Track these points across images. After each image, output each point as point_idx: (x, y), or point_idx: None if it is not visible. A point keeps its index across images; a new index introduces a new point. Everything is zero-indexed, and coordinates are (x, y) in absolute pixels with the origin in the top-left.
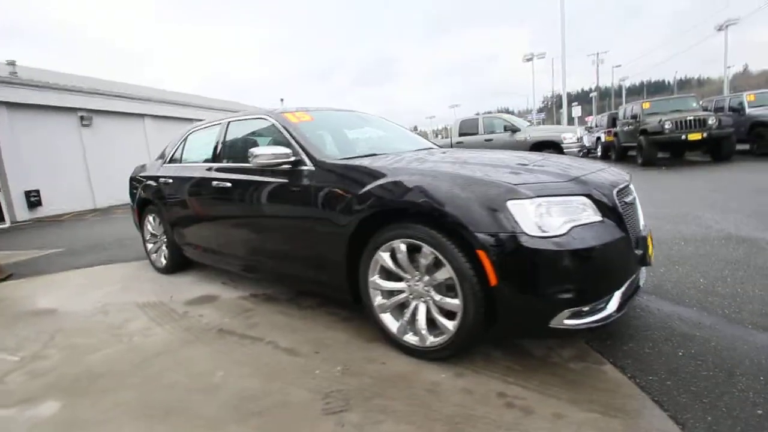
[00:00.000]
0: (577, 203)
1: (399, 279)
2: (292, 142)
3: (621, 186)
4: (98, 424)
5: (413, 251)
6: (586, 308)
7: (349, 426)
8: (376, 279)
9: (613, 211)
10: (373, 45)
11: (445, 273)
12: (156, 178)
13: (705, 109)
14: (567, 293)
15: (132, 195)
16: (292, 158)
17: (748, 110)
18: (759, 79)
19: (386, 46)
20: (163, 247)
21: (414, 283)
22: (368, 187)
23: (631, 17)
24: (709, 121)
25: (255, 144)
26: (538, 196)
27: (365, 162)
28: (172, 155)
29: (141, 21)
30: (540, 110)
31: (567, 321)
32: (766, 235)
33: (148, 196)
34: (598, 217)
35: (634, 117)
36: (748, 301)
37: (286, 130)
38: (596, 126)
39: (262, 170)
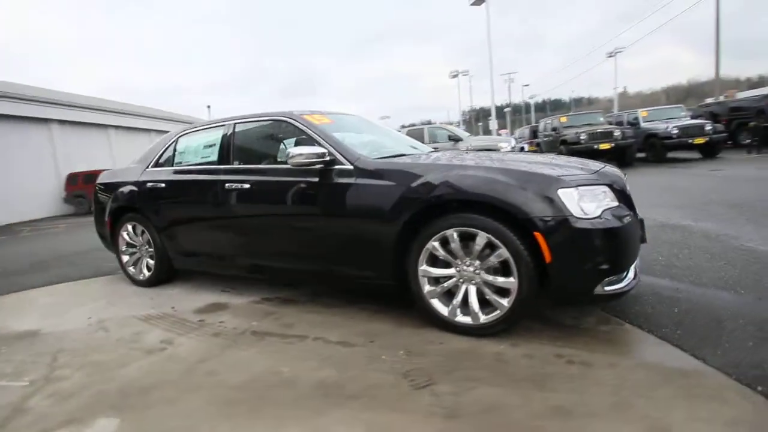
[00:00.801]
0: (602, 191)
1: (448, 265)
2: (323, 142)
3: (625, 178)
4: (187, 429)
5: (465, 239)
6: (614, 277)
7: (445, 395)
8: (425, 267)
9: (626, 197)
10: (298, 57)
11: (500, 255)
12: (139, 184)
13: (609, 123)
14: (605, 264)
15: (99, 203)
16: (327, 158)
17: (642, 124)
18: (635, 99)
19: (312, 58)
20: (146, 259)
21: (464, 267)
22: (419, 183)
23: (538, 43)
24: (615, 133)
25: (272, 146)
26: (578, 185)
27: (406, 160)
28: (158, 159)
29: (25, 16)
30: (458, 123)
31: (606, 288)
32: (690, 222)
33: (127, 204)
34: (616, 203)
35: (554, 129)
36: (702, 271)
37: (313, 131)
38: (519, 137)
39: (289, 171)
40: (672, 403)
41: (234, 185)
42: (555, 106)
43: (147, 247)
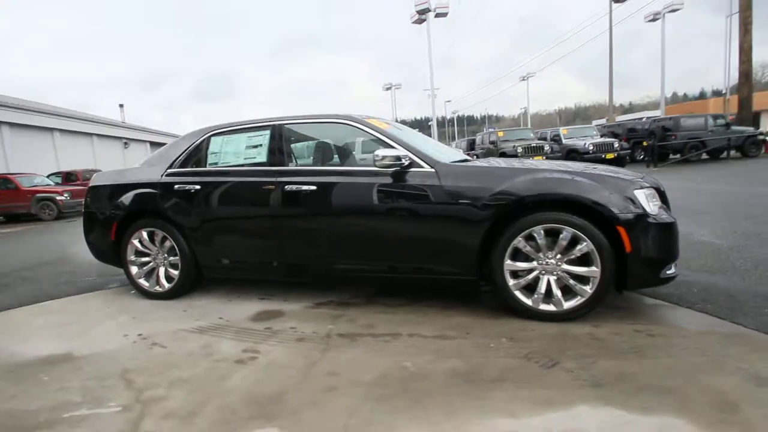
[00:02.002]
0: (652, 193)
1: (529, 260)
2: (397, 145)
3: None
4: (364, 426)
5: (549, 234)
6: (671, 264)
7: (575, 370)
8: (509, 262)
9: (665, 199)
10: (213, 59)
11: (582, 248)
12: (162, 186)
13: (539, 139)
14: (667, 253)
15: (95, 209)
16: (405, 161)
17: (564, 141)
18: (534, 119)
19: (229, 61)
20: (166, 268)
21: (546, 260)
22: (508, 185)
23: (457, 64)
24: (545, 148)
25: (332, 148)
26: (643, 187)
27: (487, 164)
28: (184, 159)
29: None
30: None
31: (667, 272)
32: None
33: (143, 208)
34: (660, 202)
35: (492, 143)
36: (686, 261)
37: (383, 134)
38: (456, 149)
39: (360, 172)
40: (747, 357)
41: (297, 187)
42: (468, 122)
43: (167, 255)
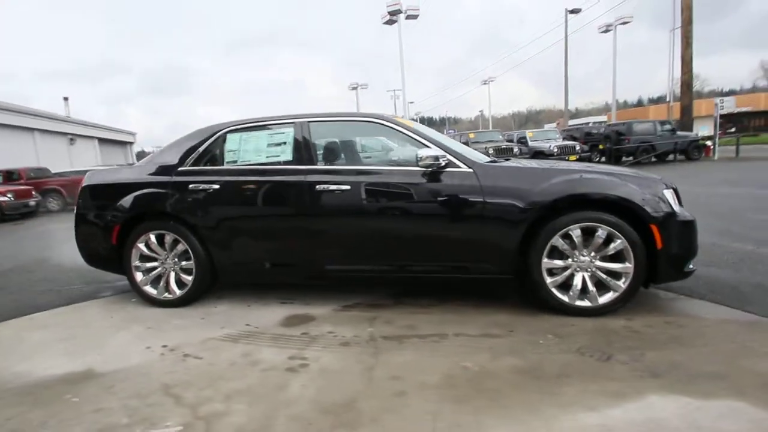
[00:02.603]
0: (673, 193)
1: (564, 257)
2: (431, 145)
3: None
4: (453, 427)
5: (585, 233)
6: (691, 259)
7: (630, 362)
8: (547, 260)
9: (679, 198)
10: (165, 52)
11: (617, 246)
12: (175, 185)
13: (508, 141)
14: (690, 249)
15: (97, 208)
16: (442, 161)
17: (530, 143)
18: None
19: (181, 55)
20: (177, 273)
21: (581, 258)
22: (548, 185)
23: (418, 67)
24: (515, 150)
25: (362, 146)
26: (668, 188)
27: (526, 164)
28: (197, 157)
29: None
30: None
31: (690, 267)
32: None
33: (153, 209)
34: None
35: (465, 143)
36: None
37: (417, 134)
38: None
39: (396, 172)
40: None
41: (328, 186)
42: (429, 124)
43: (177, 259)
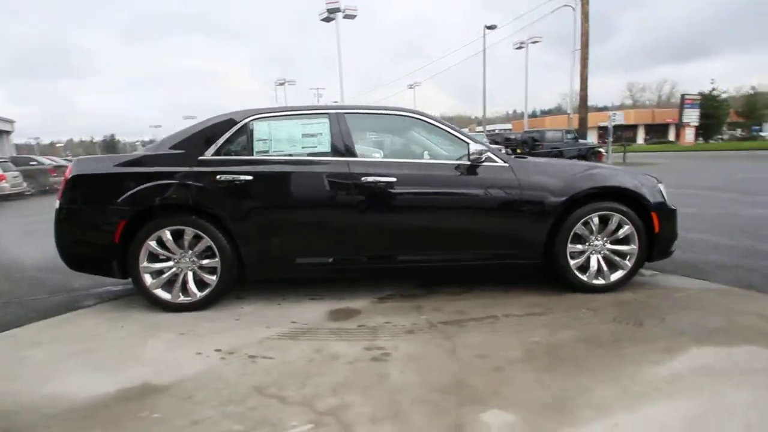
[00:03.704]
0: (663, 186)
1: (583, 242)
2: (469, 141)
3: None
4: (567, 391)
5: (601, 221)
6: (674, 241)
7: (660, 325)
8: (570, 245)
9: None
10: (41, 26)
11: (626, 230)
12: (199, 175)
13: None
14: (675, 233)
15: (93, 202)
16: (483, 156)
17: None
18: None
19: (65, 30)
20: (197, 273)
21: (594, 242)
22: (574, 179)
23: (345, 67)
24: None
25: (395, 140)
26: (660, 182)
27: (549, 161)
28: (221, 145)
29: None
30: None
31: (672, 249)
32: None
33: (169, 202)
34: None
35: None
36: None
37: (453, 131)
38: None
39: (439, 165)
40: (741, 300)
41: (375, 179)
42: None
43: (196, 258)
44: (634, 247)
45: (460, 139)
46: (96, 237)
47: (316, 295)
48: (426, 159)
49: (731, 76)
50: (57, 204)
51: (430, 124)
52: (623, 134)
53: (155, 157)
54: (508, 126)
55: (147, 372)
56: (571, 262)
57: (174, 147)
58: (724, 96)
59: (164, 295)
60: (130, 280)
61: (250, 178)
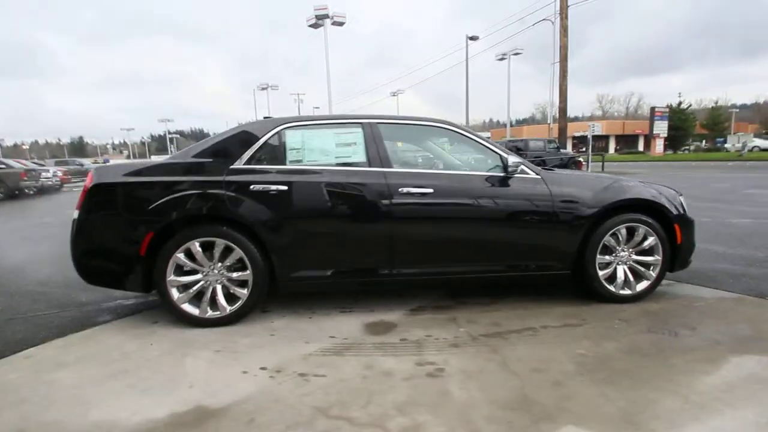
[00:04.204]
0: (683, 199)
1: (610, 253)
2: (501, 152)
3: None
4: (635, 403)
5: (629, 232)
6: (693, 252)
7: (694, 335)
8: (599, 256)
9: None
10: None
11: (651, 242)
12: (231, 185)
13: None
14: (694, 243)
15: (118, 212)
16: (518, 168)
17: None
18: None
19: (27, 29)
20: (226, 287)
21: (620, 253)
22: (602, 191)
23: (322, 72)
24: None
25: (433, 150)
26: (680, 195)
27: (571, 173)
28: (252, 154)
29: None
30: None
31: (691, 258)
32: None
33: (200, 212)
34: None
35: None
36: None
37: (486, 142)
38: None
39: (475, 176)
40: (758, 308)
41: (413, 189)
42: None
43: (225, 270)
44: (658, 257)
45: (492, 150)
46: (119, 249)
47: (346, 308)
48: (460, 170)
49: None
50: (75, 214)
51: (462, 134)
52: (596, 144)
53: (184, 166)
54: (487, 134)
55: (197, 394)
56: (600, 273)
57: (203, 155)
58: (690, 109)
59: (192, 309)
60: (145, 293)
61: (285, 188)
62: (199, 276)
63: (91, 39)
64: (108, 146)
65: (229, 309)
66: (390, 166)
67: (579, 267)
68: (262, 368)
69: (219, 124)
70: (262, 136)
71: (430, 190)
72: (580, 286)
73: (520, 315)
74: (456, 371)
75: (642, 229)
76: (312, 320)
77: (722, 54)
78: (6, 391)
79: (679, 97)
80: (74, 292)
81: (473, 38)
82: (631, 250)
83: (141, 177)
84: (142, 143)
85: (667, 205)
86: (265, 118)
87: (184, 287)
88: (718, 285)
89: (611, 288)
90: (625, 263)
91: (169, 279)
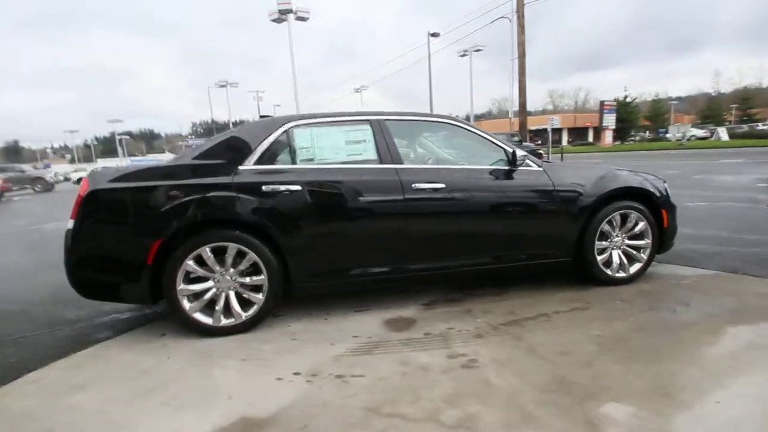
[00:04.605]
0: (667, 186)
1: (606, 238)
2: (507, 147)
3: None
4: (661, 376)
5: (622, 218)
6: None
7: (692, 310)
8: (597, 242)
9: None
10: None
11: (642, 227)
12: (243, 187)
13: None
14: (676, 227)
15: (120, 220)
16: (521, 161)
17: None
18: None
19: None
20: (241, 293)
21: (615, 238)
22: (600, 181)
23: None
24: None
25: (438, 146)
26: (665, 182)
27: (570, 165)
28: (260, 155)
29: None
30: (193, 135)
31: (673, 241)
32: None
33: (211, 216)
34: None
35: None
36: None
37: (490, 137)
38: None
39: (482, 171)
40: (735, 282)
41: (424, 185)
42: None
43: (238, 276)
44: (648, 241)
45: (496, 144)
46: (122, 259)
47: (361, 307)
48: (468, 165)
49: (633, 84)
50: (69, 224)
51: (467, 130)
52: (552, 137)
53: (188, 168)
54: None
55: (238, 405)
56: (598, 258)
57: (208, 156)
58: (635, 102)
59: (205, 319)
60: (142, 305)
61: (298, 188)
62: (210, 283)
63: (23, 31)
64: (48, 150)
65: (244, 315)
66: (401, 163)
67: (578, 254)
68: (296, 373)
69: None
70: (270, 135)
71: (442, 185)
72: (580, 272)
73: (529, 303)
74: (488, 361)
75: (634, 215)
76: (329, 321)
77: (659, 50)
78: (25, 419)
79: (625, 91)
80: (56, 309)
81: (434, 35)
82: (624, 235)
83: (142, 182)
84: (87, 146)
85: (655, 192)
86: (261, 117)
87: (194, 296)
88: (696, 264)
89: (608, 272)
90: (619, 248)
91: (179, 288)
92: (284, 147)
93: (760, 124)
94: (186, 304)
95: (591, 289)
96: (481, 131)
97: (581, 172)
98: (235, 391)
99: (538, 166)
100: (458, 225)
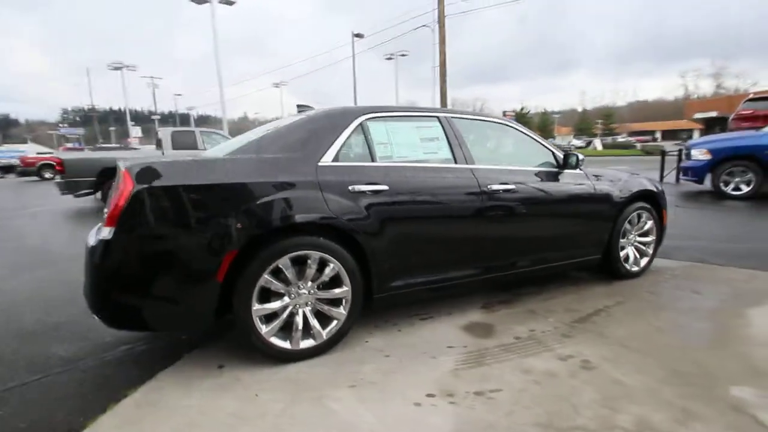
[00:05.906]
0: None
1: (625, 237)
2: (552, 148)
3: None
4: (733, 357)
5: (639, 218)
6: None
7: (708, 295)
8: (620, 240)
9: None
10: None
11: (649, 225)
12: (326, 186)
13: None
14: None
15: (181, 225)
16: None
17: None
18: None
19: None
20: (314, 308)
21: (629, 236)
22: (625, 185)
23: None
24: None
25: (498, 148)
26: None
27: (599, 169)
28: (337, 150)
29: None
30: (66, 123)
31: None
32: None
33: (292, 220)
34: None
35: None
36: None
37: (543, 141)
38: None
39: (539, 172)
40: (711, 271)
41: (498, 186)
42: (201, 121)
43: (316, 290)
44: (653, 237)
45: (546, 147)
46: (184, 278)
47: (421, 314)
48: (527, 166)
49: (519, 97)
50: (104, 233)
51: (522, 132)
52: None
53: (259, 163)
54: None
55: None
56: (621, 254)
57: (279, 149)
58: (531, 113)
59: (281, 342)
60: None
61: (386, 187)
62: (287, 299)
63: None
64: None
65: (324, 335)
66: (473, 163)
67: (606, 251)
68: (429, 395)
69: (34, 109)
70: (345, 129)
71: (512, 186)
72: (604, 268)
73: (577, 299)
74: (599, 359)
75: (645, 215)
76: (404, 332)
77: (540, 68)
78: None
79: (522, 103)
80: (35, 346)
81: (358, 35)
82: (636, 233)
83: (204, 178)
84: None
85: (660, 194)
86: (299, 106)
87: (271, 317)
88: (671, 256)
89: (627, 266)
90: (632, 244)
91: (254, 308)
92: (361, 142)
93: (618, 136)
94: (262, 328)
95: (613, 284)
96: (533, 134)
97: (609, 176)
98: (375, 425)
99: (581, 170)
100: (525, 227)
